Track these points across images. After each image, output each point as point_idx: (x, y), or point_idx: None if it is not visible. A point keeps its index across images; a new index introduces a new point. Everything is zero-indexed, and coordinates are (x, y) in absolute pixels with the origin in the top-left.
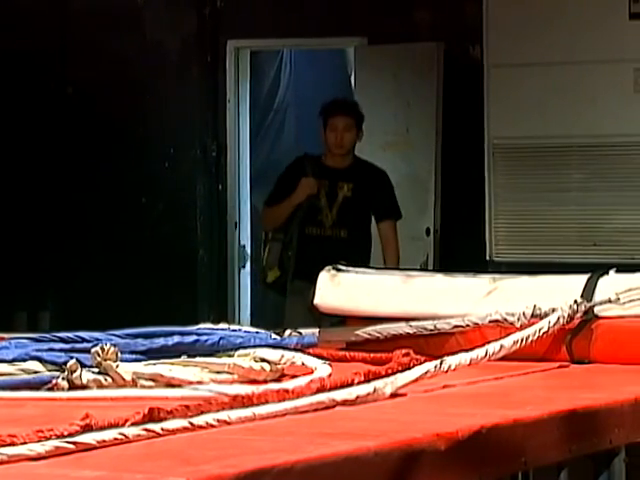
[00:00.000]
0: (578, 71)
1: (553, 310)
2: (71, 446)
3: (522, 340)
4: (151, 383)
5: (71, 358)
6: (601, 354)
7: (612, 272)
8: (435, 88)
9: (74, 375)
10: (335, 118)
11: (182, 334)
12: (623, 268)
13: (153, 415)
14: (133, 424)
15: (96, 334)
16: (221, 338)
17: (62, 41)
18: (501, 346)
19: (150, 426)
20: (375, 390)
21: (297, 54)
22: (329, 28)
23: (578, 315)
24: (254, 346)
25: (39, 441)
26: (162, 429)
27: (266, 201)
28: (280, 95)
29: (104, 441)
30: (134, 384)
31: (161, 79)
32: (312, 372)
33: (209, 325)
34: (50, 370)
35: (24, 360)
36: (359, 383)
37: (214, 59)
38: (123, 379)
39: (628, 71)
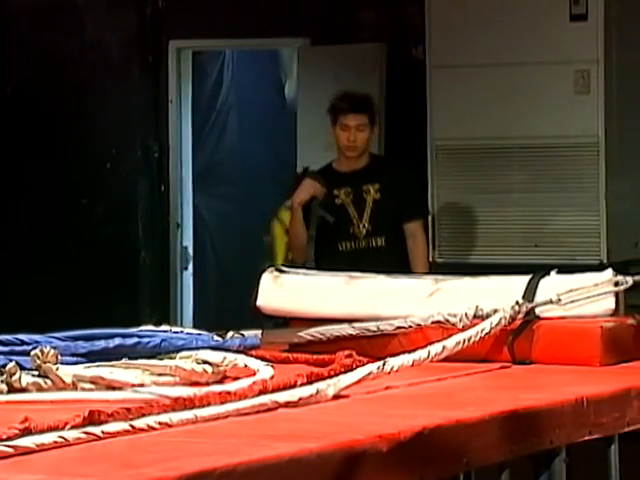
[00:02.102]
0: (520, 72)
1: (495, 311)
2: (10, 450)
3: (464, 341)
4: (92, 386)
5: (10, 361)
6: (542, 355)
7: (553, 273)
8: (378, 89)
9: (13, 378)
10: (346, 117)
11: (123, 336)
12: (564, 269)
13: (93, 418)
14: (73, 427)
15: (36, 336)
16: (163, 340)
17: (0, 40)
18: (443, 347)
19: (90, 429)
20: (318, 392)
21: (239, 55)
22: (272, 29)
23: (520, 316)
24: (196, 348)
25: None
26: (103, 432)
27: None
28: (222, 95)
29: (44, 444)
30: (74, 387)
31: (102, 79)
32: (254, 374)
33: (151, 327)
34: None
35: None
36: (302, 385)
37: (156, 59)
38: (63, 382)
39: (569, 72)
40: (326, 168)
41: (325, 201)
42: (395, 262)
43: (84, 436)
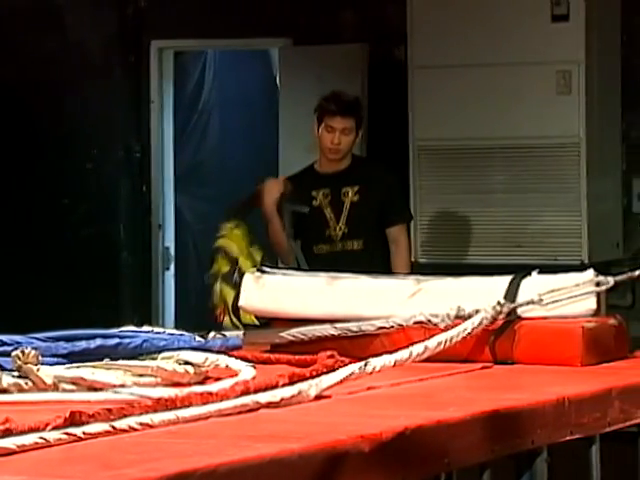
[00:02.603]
0: (502, 73)
1: (477, 311)
2: None
3: (446, 341)
4: (73, 386)
5: None
6: (524, 355)
7: (535, 273)
8: (360, 89)
9: None
10: (333, 119)
11: (105, 337)
12: (546, 269)
13: (74, 419)
14: (54, 428)
15: (17, 337)
16: (144, 341)
17: None
18: (425, 347)
19: (71, 430)
20: (299, 392)
21: (221, 55)
22: (253, 29)
23: (501, 316)
24: (178, 349)
25: None
26: (84, 433)
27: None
28: (204, 96)
29: (24, 445)
30: (55, 388)
31: (83, 79)
32: (236, 374)
33: (132, 327)
34: None
35: None
36: (283, 385)
37: (137, 60)
38: (44, 383)
39: (551, 73)
40: (308, 169)
41: (303, 202)
42: (373, 266)
43: (65, 437)
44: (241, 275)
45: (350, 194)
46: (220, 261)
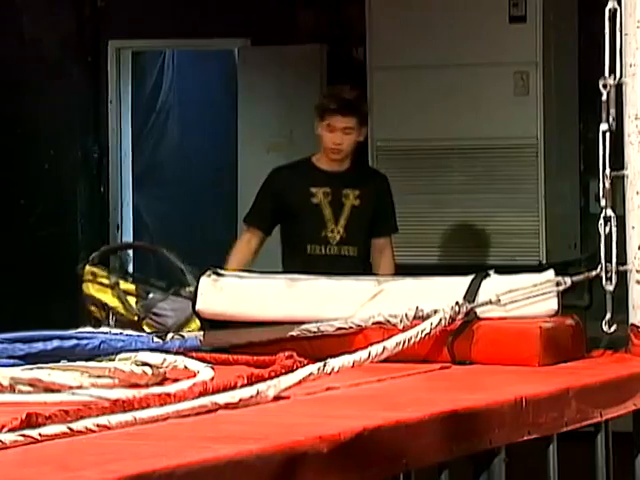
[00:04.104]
0: (459, 74)
1: (435, 312)
2: None
3: (404, 342)
4: (29, 388)
5: None
6: (482, 355)
7: (492, 273)
8: (319, 90)
9: None
10: (334, 118)
11: (62, 338)
12: (504, 270)
13: (31, 420)
14: (10, 430)
15: None
16: (102, 342)
17: None
18: (384, 348)
19: (28, 432)
20: (258, 393)
21: (180, 55)
22: (212, 29)
23: (460, 316)
24: (135, 350)
25: None
26: (40, 435)
27: (245, 218)
28: (163, 96)
29: None
30: (12, 389)
31: (40, 79)
32: (194, 375)
33: (90, 329)
34: None
35: None
36: (242, 386)
37: (95, 59)
38: (0, 384)
39: (508, 74)
40: (305, 162)
41: (301, 196)
42: (366, 274)
43: (21, 439)
44: (115, 316)
45: (351, 197)
46: (93, 311)
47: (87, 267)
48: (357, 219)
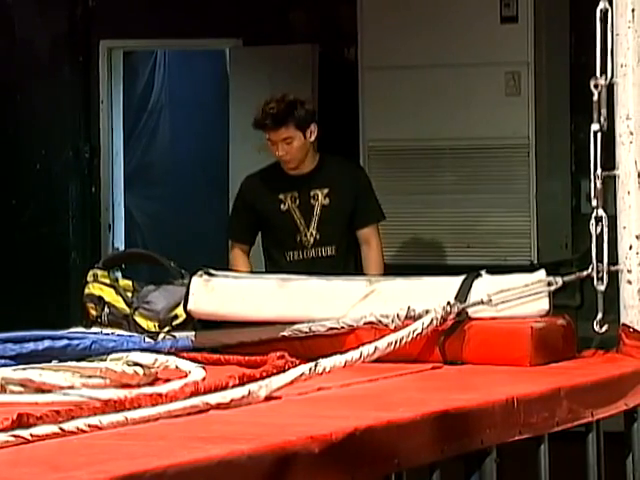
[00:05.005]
0: (451, 74)
1: (427, 312)
2: None
3: (396, 342)
4: (20, 388)
5: None
6: (473, 355)
7: (483, 273)
8: (310, 90)
9: None
10: (269, 133)
11: (53, 338)
12: (495, 270)
13: (22, 421)
14: (1, 430)
15: None
16: (93, 342)
17: None
18: (375, 348)
19: (19, 432)
20: (250, 393)
21: (171, 55)
22: (204, 29)
23: (451, 317)
24: (127, 350)
25: None
26: (31, 435)
27: (228, 234)
28: (154, 96)
29: None
30: (3, 390)
31: (32, 79)
32: (186, 376)
33: (81, 329)
34: None
35: None
36: (233, 386)
37: (86, 59)
38: None
39: (500, 74)
40: (272, 167)
41: (270, 205)
42: (347, 270)
43: (12, 439)
44: (111, 309)
45: (320, 197)
46: (90, 309)
47: (90, 271)
48: (329, 218)
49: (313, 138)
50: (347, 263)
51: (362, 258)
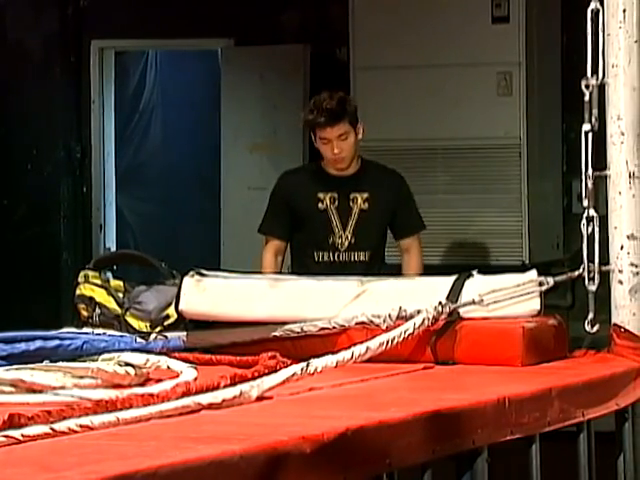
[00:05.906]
0: (442, 74)
1: (418, 312)
2: None
3: (388, 342)
4: (12, 389)
5: None
6: (465, 355)
7: (475, 273)
8: (302, 90)
9: None
10: (323, 131)
11: (45, 339)
12: (487, 270)
13: (13, 421)
14: None
15: None
16: (85, 342)
17: None
18: (367, 348)
19: (10, 432)
20: (241, 393)
21: (163, 55)
22: (195, 29)
23: (443, 317)
24: (119, 350)
25: None
26: (23, 435)
27: (261, 229)
28: (146, 96)
29: None
30: None
31: (23, 79)
32: (178, 376)
33: (72, 329)
34: None
35: None
36: (225, 386)
37: (78, 59)
38: None
39: (491, 74)
40: (311, 166)
41: (308, 202)
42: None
43: (4, 439)
44: (102, 310)
45: (359, 201)
46: (81, 309)
47: (81, 272)
48: (366, 223)
49: (361, 136)
50: (379, 271)
51: (402, 266)
